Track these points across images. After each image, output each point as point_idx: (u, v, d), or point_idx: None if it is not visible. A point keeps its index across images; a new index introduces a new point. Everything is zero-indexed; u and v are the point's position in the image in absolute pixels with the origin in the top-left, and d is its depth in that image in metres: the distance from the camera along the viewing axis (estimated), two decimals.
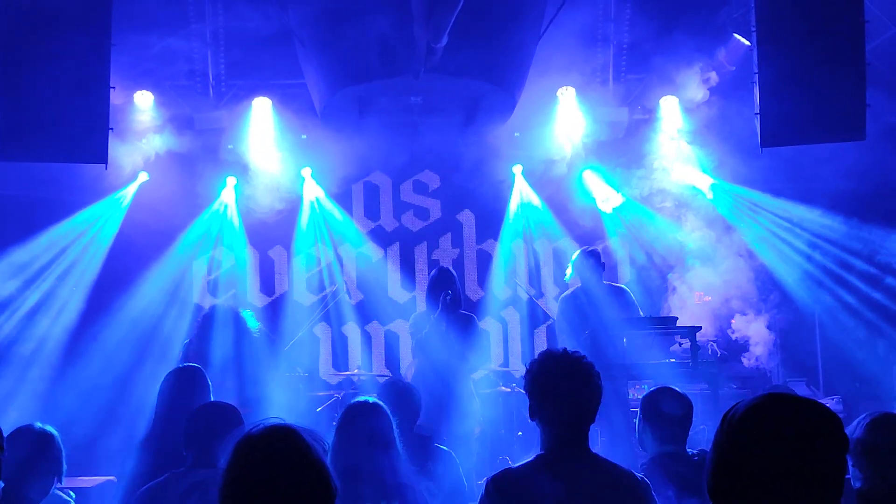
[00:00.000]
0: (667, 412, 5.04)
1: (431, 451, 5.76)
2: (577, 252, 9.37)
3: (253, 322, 8.53)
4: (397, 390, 6.20)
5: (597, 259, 9.16)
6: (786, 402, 2.35)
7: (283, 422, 2.73)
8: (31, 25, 8.10)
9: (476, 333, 8.92)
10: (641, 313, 9.17)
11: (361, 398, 4.74)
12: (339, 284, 11.42)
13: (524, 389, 3.94)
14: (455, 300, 8.70)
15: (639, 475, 3.90)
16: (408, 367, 9.87)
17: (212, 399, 5.59)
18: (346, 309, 11.56)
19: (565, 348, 3.94)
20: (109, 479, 7.85)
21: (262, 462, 2.59)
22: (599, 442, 7.77)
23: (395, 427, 4.57)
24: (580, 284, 9.15)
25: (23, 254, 10.52)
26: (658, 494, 3.98)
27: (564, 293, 9.40)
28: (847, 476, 2.35)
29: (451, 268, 9.42)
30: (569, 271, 9.36)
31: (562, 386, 3.79)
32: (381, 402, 4.67)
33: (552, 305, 11.65)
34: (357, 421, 4.50)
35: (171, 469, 4.54)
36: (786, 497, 2.23)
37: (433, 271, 9.12)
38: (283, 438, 2.64)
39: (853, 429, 3.94)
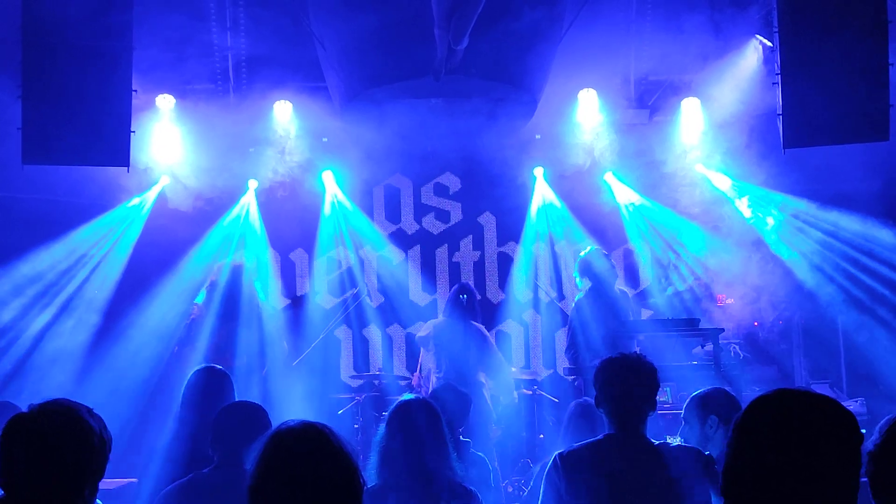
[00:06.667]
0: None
1: (468, 456, 5.81)
2: (585, 253, 9.42)
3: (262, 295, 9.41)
4: (455, 395, 6.31)
5: (605, 259, 9.22)
6: (792, 397, 2.30)
7: (309, 420, 2.75)
8: (54, 31, 8.17)
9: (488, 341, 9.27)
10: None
11: (412, 397, 4.72)
12: (360, 287, 11.42)
13: (592, 383, 4.48)
14: (472, 306, 8.97)
15: (706, 452, 4.49)
16: (428, 371, 9.86)
17: (236, 398, 5.57)
18: (368, 311, 11.57)
19: (628, 353, 4.59)
20: (131, 481, 7.89)
21: (292, 458, 2.60)
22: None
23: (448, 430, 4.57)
24: (591, 286, 9.17)
25: (43, 258, 10.53)
26: None
27: (578, 296, 9.41)
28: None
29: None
30: (577, 277, 9.44)
31: (622, 385, 4.35)
32: (434, 404, 4.68)
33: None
34: (418, 419, 4.49)
35: (196, 470, 4.53)
36: (796, 492, 2.16)
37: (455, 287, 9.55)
38: (312, 435, 2.66)
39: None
